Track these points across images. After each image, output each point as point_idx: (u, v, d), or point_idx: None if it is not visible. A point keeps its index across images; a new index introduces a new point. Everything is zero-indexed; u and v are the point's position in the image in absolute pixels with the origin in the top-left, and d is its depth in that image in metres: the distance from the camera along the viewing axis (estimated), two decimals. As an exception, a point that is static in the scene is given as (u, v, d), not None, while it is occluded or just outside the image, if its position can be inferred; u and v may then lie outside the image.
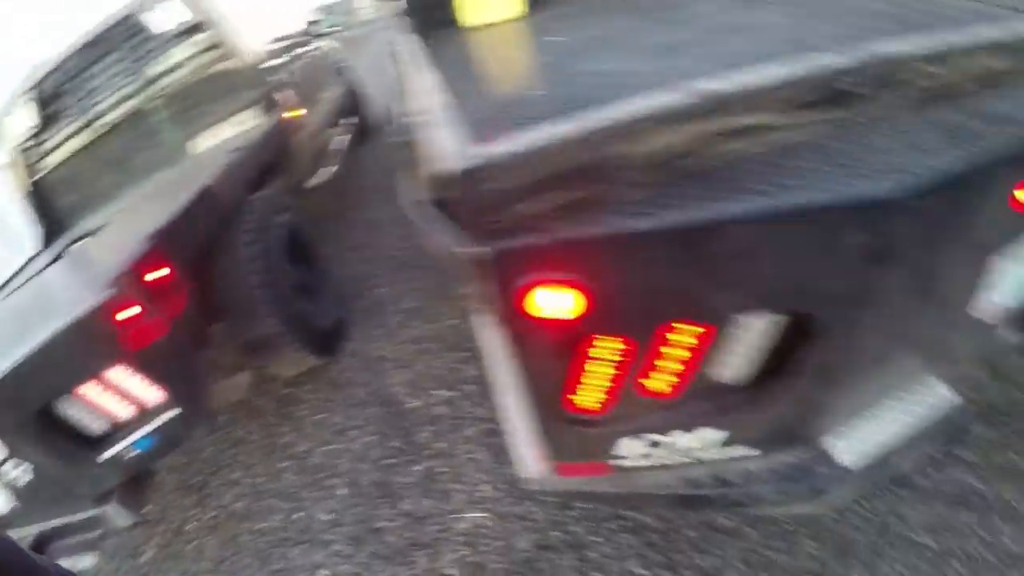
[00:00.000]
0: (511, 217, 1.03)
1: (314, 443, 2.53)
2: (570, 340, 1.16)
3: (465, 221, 1.06)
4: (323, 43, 4.71)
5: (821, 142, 1.12)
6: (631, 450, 1.37)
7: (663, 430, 1.33)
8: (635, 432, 1.34)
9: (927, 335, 1.40)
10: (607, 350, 1.19)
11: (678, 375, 1.24)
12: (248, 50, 3.50)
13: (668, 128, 1.03)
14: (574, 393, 1.26)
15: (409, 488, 2.25)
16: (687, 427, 1.33)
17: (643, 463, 1.40)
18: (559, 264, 1.04)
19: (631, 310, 1.13)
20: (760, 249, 1.06)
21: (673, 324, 1.16)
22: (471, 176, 1.01)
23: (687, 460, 1.39)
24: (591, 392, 1.26)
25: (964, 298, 1.40)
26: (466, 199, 1.03)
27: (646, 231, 1.02)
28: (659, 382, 1.25)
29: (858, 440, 1.38)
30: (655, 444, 1.36)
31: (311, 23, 4.74)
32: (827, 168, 1.07)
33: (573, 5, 2.54)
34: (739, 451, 1.38)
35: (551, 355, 1.19)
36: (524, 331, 1.14)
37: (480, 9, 2.53)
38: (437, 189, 1.10)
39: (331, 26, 4.81)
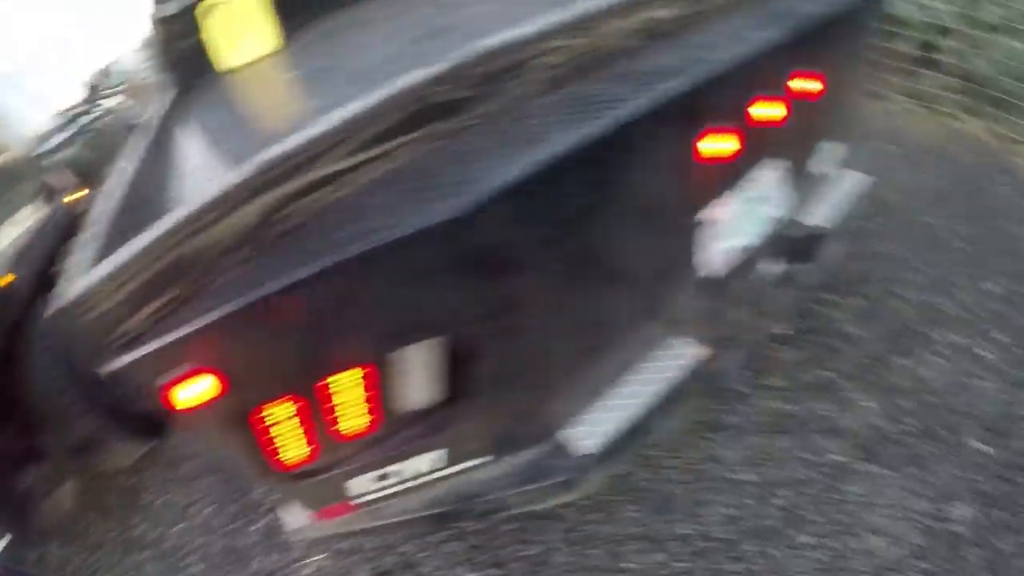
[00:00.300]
0: (129, 329, 1.03)
1: (165, 526, 2.49)
2: (236, 416, 1.16)
3: (92, 346, 1.05)
4: (113, 102, 4.42)
5: (415, 164, 1.13)
6: (363, 487, 1.39)
7: (382, 463, 1.35)
8: (357, 471, 1.36)
9: (649, 306, 1.43)
10: (281, 412, 1.20)
11: (366, 413, 1.26)
12: (18, 140, 3.33)
13: (244, 204, 1.03)
14: (278, 453, 1.27)
15: (255, 547, 2.26)
16: (403, 456, 1.35)
17: (382, 495, 1.42)
18: (183, 358, 1.04)
19: (276, 374, 1.14)
20: (366, 290, 1.08)
21: (331, 374, 1.17)
22: (78, 306, 1.00)
23: (423, 482, 1.42)
24: (293, 448, 1.27)
25: (683, 259, 1.44)
26: (84, 326, 1.02)
27: (246, 305, 1.02)
28: (352, 423, 1.26)
29: (595, 424, 1.42)
30: (383, 476, 1.38)
31: (93, 87, 4.46)
32: (409, 194, 1.07)
33: (320, 28, 2.52)
34: (470, 462, 1.41)
35: (230, 431, 1.19)
36: (192, 421, 1.14)
37: (234, 51, 2.46)
38: (61, 322, 1.09)
39: (118, 83, 4.45)
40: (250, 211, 1.02)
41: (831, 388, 2.25)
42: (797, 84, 1.48)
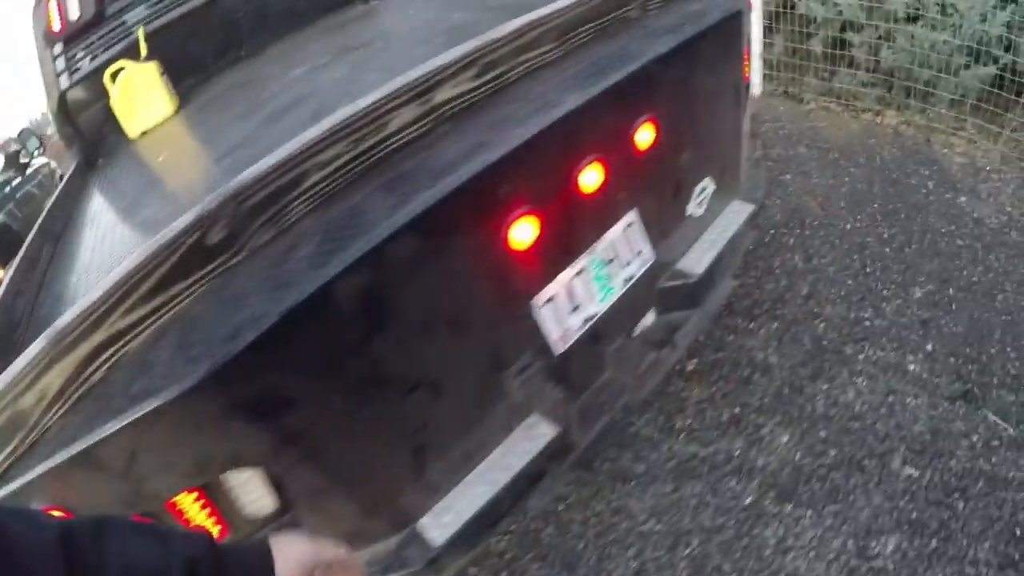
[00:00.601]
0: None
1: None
2: None
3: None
4: (37, 164, 4.30)
5: (186, 314, 1.05)
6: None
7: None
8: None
9: (491, 395, 1.33)
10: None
11: (214, 524, 1.13)
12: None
13: (56, 363, 0.99)
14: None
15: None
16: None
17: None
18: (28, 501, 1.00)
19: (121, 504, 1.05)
20: (166, 437, 0.99)
21: (169, 498, 1.07)
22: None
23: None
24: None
25: (521, 342, 1.33)
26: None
27: (72, 456, 0.96)
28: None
29: (448, 513, 1.29)
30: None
31: (11, 153, 4.33)
32: (179, 349, 1.01)
33: (210, 91, 2.54)
34: None
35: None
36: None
37: (136, 120, 2.45)
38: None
39: (35, 148, 4.34)
40: (59, 371, 0.99)
41: (744, 424, 2.09)
42: (637, 134, 1.39)
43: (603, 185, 1.30)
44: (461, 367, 1.27)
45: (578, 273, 1.40)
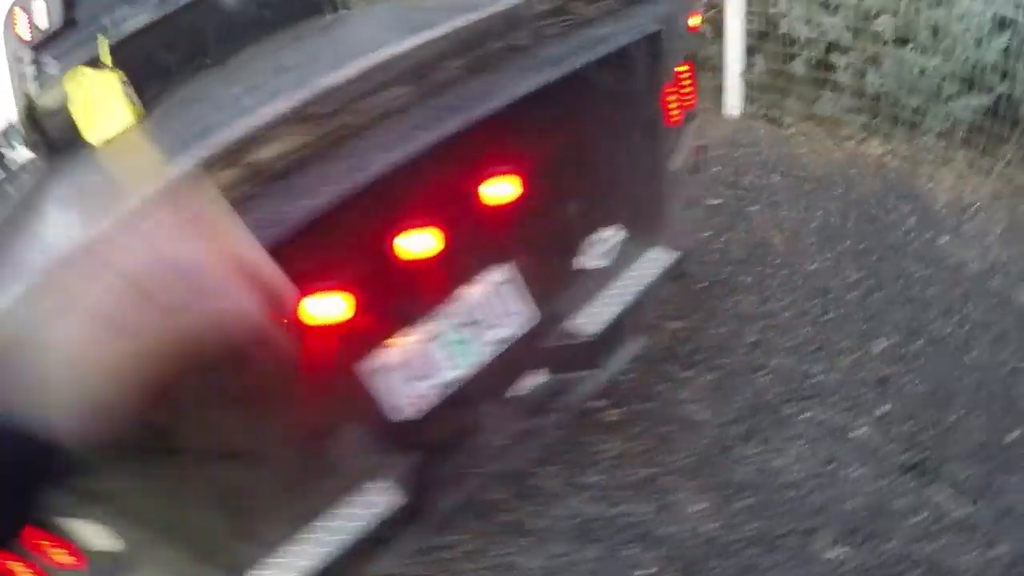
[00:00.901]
0: None
1: None
2: None
3: None
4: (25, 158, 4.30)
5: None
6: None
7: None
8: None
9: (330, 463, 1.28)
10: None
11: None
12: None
13: None
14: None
15: None
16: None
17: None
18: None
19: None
20: None
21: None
22: None
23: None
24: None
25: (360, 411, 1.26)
26: None
27: None
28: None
29: (277, 568, 1.24)
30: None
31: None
32: None
33: (174, 99, 2.48)
34: None
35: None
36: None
37: (96, 128, 2.37)
38: None
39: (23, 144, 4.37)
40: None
41: (658, 486, 1.91)
42: (490, 188, 1.26)
43: (445, 249, 1.18)
44: (276, 434, 1.18)
45: (426, 338, 1.31)
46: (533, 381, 1.53)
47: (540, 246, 1.41)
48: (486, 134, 1.18)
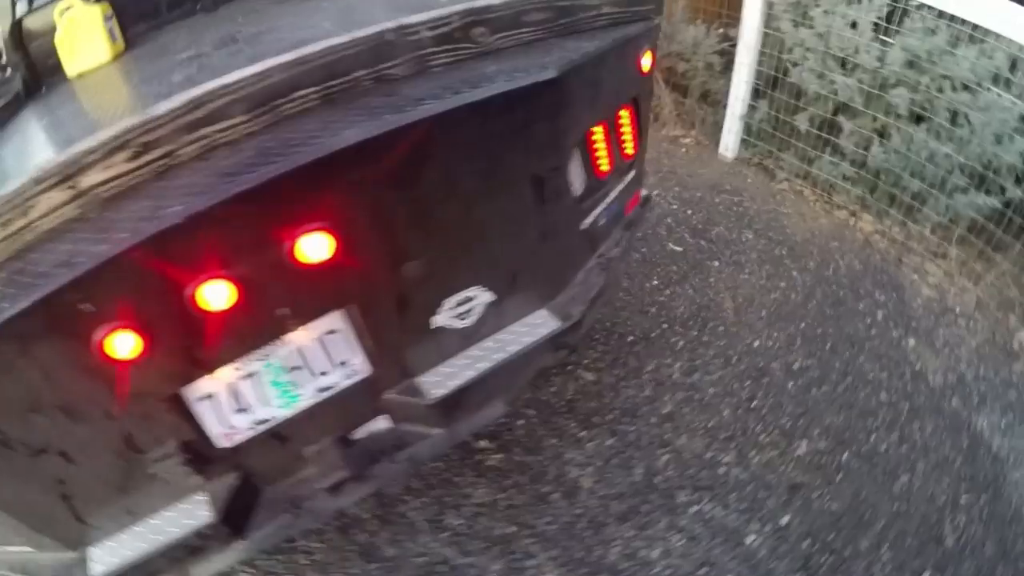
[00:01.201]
0: None
1: None
2: None
3: None
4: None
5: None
6: None
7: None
8: None
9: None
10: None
11: None
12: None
13: None
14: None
15: None
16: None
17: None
18: None
19: None
20: None
21: None
22: None
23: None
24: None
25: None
26: None
27: None
28: None
29: (111, 551, 1.31)
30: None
31: None
32: None
33: (157, 41, 2.42)
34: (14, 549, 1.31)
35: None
36: None
37: (75, 60, 2.34)
38: None
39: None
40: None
41: (515, 547, 1.78)
42: (303, 243, 1.11)
43: (241, 302, 1.10)
44: (92, 442, 1.21)
45: (245, 375, 1.27)
46: (368, 430, 1.46)
47: (379, 302, 1.29)
48: (302, 183, 1.04)
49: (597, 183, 1.56)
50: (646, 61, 1.49)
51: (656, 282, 2.55)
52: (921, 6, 2.32)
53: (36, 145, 1.62)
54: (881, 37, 2.51)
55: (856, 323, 2.42)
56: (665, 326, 2.37)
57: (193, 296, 1.05)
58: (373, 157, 1.07)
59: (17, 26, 2.57)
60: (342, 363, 1.32)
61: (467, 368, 1.44)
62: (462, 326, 1.43)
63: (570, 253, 1.53)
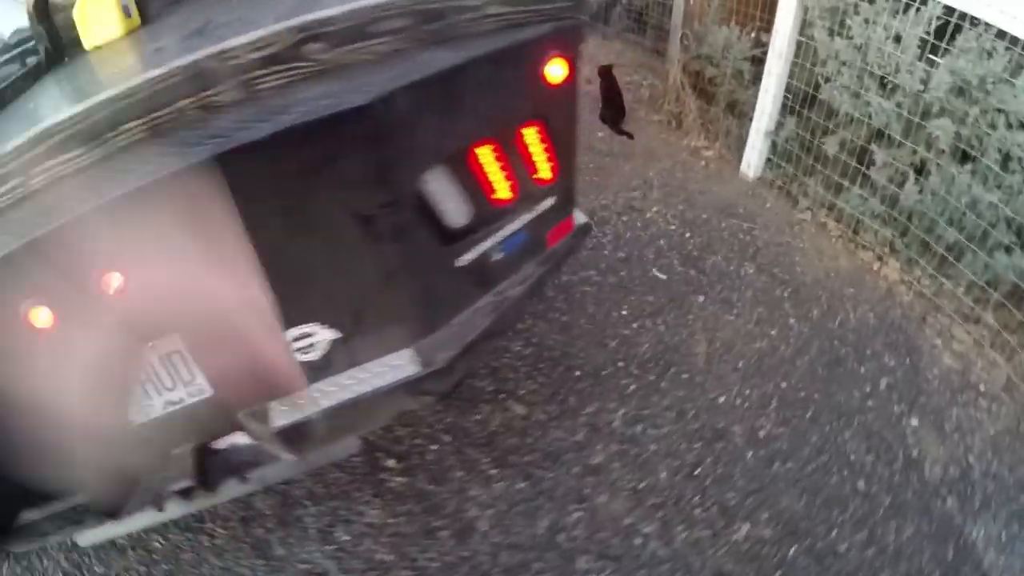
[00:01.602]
0: None
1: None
2: None
3: None
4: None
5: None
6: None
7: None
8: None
9: None
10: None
11: None
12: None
13: None
14: None
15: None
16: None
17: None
18: None
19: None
20: None
21: None
22: None
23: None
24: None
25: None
26: None
27: None
28: None
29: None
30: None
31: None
32: None
33: (172, 18, 2.40)
34: None
35: None
36: None
37: (88, 32, 2.40)
38: None
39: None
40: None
41: None
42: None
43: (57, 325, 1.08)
44: None
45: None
46: (229, 443, 1.45)
47: (213, 330, 1.22)
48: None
49: (491, 213, 1.35)
50: (556, 70, 1.26)
51: (625, 312, 2.29)
52: (977, 22, 1.91)
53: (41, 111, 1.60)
54: (927, 56, 2.10)
55: (852, 390, 2.07)
56: (620, 364, 2.12)
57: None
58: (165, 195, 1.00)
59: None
60: (188, 381, 1.32)
61: (311, 403, 1.33)
62: (306, 359, 1.31)
63: (443, 292, 1.35)
